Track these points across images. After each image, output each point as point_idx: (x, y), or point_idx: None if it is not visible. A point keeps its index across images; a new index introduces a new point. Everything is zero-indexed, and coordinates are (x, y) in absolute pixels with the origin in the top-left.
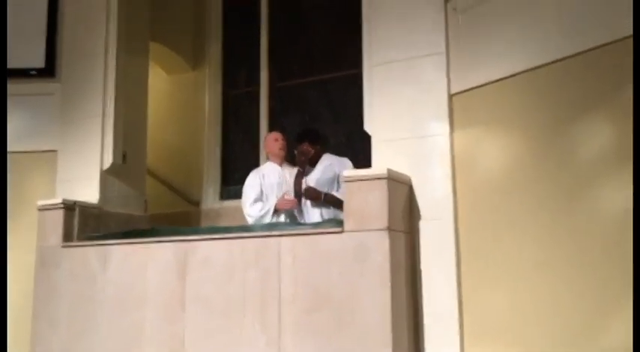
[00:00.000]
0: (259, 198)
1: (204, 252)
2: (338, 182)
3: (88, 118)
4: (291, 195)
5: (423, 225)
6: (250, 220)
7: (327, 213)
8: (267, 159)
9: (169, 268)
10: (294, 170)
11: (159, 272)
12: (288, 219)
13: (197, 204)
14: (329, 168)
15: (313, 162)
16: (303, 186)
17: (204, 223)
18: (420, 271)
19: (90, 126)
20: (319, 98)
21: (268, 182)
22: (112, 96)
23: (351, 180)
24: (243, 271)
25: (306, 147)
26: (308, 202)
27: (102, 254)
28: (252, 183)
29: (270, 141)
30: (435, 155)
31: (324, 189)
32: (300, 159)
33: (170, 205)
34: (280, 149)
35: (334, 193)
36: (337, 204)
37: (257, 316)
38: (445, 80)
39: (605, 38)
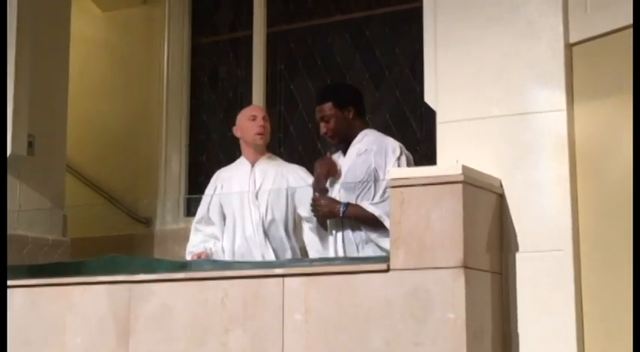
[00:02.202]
0: (207, 219)
1: (159, 301)
2: (375, 181)
3: None
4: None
5: (523, 261)
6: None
7: (353, 237)
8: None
9: (103, 325)
10: (273, 169)
11: (85, 332)
12: None
13: (148, 222)
14: (363, 158)
15: (343, 141)
16: (333, 192)
17: (160, 252)
18: (516, 336)
19: None
20: (349, 51)
21: (229, 192)
22: (13, 47)
23: (400, 185)
24: (224, 332)
25: (329, 110)
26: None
27: None
28: (206, 194)
29: (244, 119)
30: (544, 144)
31: (351, 196)
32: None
33: (105, 224)
34: (257, 134)
35: (364, 204)
36: (368, 222)
37: None
38: (560, 19)
39: None
